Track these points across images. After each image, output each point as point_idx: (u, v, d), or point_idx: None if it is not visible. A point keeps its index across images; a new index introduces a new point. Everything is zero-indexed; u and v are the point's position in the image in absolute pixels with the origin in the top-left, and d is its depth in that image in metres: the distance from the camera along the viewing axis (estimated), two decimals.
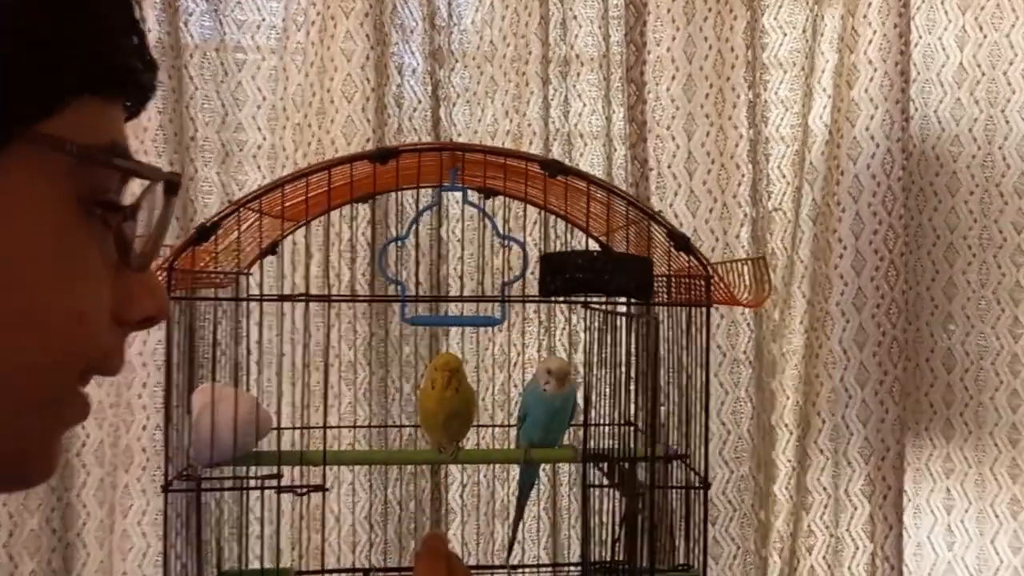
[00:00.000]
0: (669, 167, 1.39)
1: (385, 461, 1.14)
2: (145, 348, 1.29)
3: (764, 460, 1.44)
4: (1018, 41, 1.44)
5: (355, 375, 1.32)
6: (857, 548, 1.41)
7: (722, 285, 0.89)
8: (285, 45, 1.37)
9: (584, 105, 1.39)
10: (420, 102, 1.38)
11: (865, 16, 1.39)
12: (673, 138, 1.39)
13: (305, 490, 0.85)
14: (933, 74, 1.47)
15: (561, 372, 0.98)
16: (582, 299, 0.91)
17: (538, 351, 1.37)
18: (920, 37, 1.46)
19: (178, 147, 1.34)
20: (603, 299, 0.92)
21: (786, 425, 1.47)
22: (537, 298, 0.89)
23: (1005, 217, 1.45)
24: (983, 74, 1.45)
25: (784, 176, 1.45)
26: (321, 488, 0.86)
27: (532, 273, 0.96)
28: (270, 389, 1.29)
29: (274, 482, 0.85)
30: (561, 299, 0.90)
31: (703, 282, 0.89)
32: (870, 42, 1.39)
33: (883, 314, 1.39)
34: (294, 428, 1.16)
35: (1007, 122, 1.44)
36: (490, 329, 1.30)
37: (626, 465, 0.89)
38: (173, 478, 0.87)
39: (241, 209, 0.88)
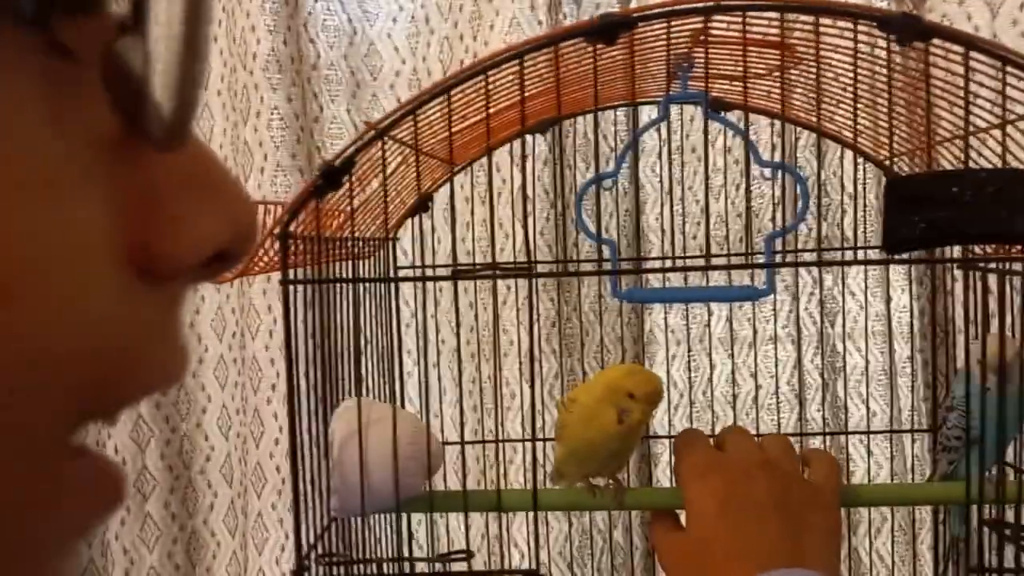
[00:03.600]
0: None
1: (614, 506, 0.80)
2: (272, 341, 1.01)
3: None
4: None
5: (536, 367, 0.99)
6: None
7: None
8: None
9: None
10: (599, 3, 1.02)
11: None
12: None
13: None
14: None
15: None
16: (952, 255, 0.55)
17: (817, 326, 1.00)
18: None
19: (296, 77, 1.04)
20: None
21: None
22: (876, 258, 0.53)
23: None
24: None
25: None
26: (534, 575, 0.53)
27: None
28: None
29: (459, 564, 0.54)
30: (914, 256, 0.53)
31: None
32: None
33: None
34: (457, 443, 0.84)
35: None
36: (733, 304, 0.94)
37: None
38: (308, 552, 0.57)
39: (386, 137, 0.56)
